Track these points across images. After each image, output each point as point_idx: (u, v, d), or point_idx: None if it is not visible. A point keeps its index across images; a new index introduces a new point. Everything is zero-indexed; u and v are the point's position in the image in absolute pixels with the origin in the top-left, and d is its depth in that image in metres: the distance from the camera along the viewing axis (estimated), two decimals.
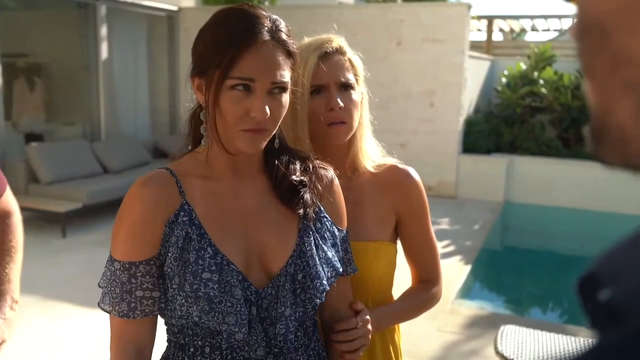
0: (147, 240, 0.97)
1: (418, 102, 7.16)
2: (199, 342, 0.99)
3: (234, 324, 0.94)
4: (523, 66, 7.74)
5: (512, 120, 7.64)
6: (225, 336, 0.96)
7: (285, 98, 0.97)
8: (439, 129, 7.13)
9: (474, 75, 7.62)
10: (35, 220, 5.58)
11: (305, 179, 1.06)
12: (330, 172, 1.12)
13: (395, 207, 1.29)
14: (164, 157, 7.21)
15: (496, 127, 7.59)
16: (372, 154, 1.31)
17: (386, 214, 1.29)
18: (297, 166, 1.07)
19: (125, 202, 0.99)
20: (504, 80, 7.84)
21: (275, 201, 1.05)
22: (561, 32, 13.54)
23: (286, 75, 0.96)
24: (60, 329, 3.48)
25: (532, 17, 12.80)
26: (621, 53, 0.33)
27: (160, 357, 1.07)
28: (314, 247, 1.03)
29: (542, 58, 7.65)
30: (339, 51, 1.23)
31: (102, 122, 7.21)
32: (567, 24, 12.62)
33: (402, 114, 7.16)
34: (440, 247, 5.05)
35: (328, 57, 1.21)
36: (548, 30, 13.64)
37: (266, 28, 0.94)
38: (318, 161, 1.11)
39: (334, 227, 1.09)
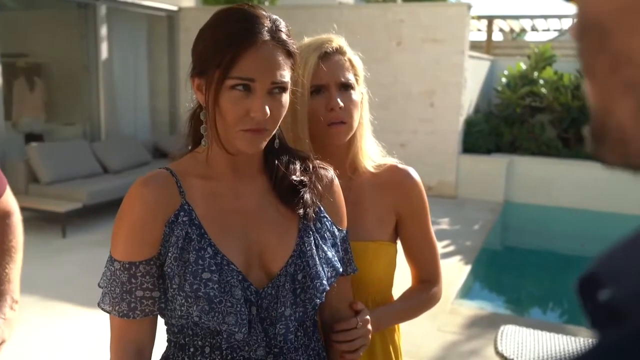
0: (147, 240, 0.97)
1: (418, 102, 7.16)
2: (199, 342, 0.99)
3: (234, 324, 0.94)
4: (523, 66, 7.74)
5: (512, 120, 7.64)
6: (225, 336, 0.96)
7: (285, 98, 0.97)
8: (439, 129, 7.13)
9: (474, 75, 7.61)
10: (35, 220, 5.58)
11: (305, 179, 1.06)
12: (330, 172, 1.12)
13: (395, 207, 1.29)
14: (164, 157, 7.20)
15: (496, 127, 7.59)
16: (372, 154, 1.30)
17: (386, 214, 1.29)
18: (297, 166, 1.06)
19: (125, 202, 0.99)
20: (504, 80, 7.84)
21: (275, 201, 1.05)
22: (561, 32, 13.54)
23: (286, 75, 0.96)
24: (60, 329, 3.48)
25: (532, 17, 12.80)
26: (621, 53, 0.33)
27: (160, 357, 1.07)
28: (314, 247, 1.03)
29: (542, 58, 7.65)
30: (339, 51, 1.23)
31: (102, 122, 7.21)
32: (567, 24, 12.62)
33: (402, 114, 7.16)
34: (440, 247, 5.05)
35: (328, 57, 1.21)
36: (548, 30, 13.64)
37: (266, 28, 0.94)
38: (318, 161, 1.11)
39: (334, 227, 1.09)
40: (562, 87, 7.24)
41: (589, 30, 0.35)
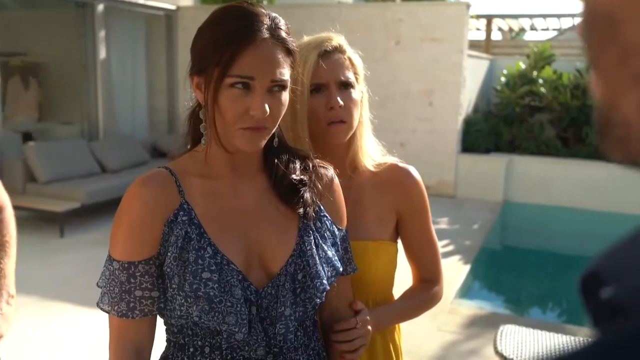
0: (146, 240, 0.96)
1: (417, 101, 7.16)
2: (199, 342, 0.99)
3: (234, 324, 0.94)
4: (522, 65, 7.74)
5: (511, 120, 7.64)
6: (225, 336, 0.95)
7: (285, 96, 0.96)
8: (437, 128, 7.13)
9: (473, 74, 7.62)
10: (33, 219, 5.57)
11: (305, 178, 1.05)
12: (330, 171, 1.11)
13: (396, 206, 1.29)
14: (162, 156, 7.20)
15: (495, 127, 7.59)
16: (372, 153, 1.30)
17: (386, 212, 1.28)
18: (297, 165, 1.06)
19: (124, 202, 0.98)
20: (503, 79, 7.85)
21: (275, 200, 1.04)
22: (560, 32, 13.56)
23: (286, 73, 0.95)
24: (58, 328, 3.47)
25: (531, 17, 12.83)
26: (631, 44, 0.33)
27: (159, 357, 1.07)
28: (314, 247, 1.02)
29: (541, 57, 7.66)
30: (339, 50, 1.23)
31: (100, 122, 7.21)
32: (566, 23, 12.64)
33: (401, 113, 7.16)
34: (439, 246, 5.02)
35: (328, 55, 1.20)
36: (547, 29, 13.66)
37: (265, 26, 0.94)
38: (318, 160, 1.11)
39: (334, 226, 1.08)
40: (562, 86, 7.24)
41: (597, 23, 0.35)
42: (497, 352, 2.49)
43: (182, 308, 0.95)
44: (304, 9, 7.26)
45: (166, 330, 1.04)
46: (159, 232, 0.97)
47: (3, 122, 6.37)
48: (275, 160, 1.05)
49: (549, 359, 0.31)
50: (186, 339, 0.99)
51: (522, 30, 14.02)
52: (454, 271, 4.54)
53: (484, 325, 3.60)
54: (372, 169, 1.29)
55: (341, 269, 1.07)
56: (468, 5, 6.92)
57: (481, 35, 12.02)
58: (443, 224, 5.99)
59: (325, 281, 1.02)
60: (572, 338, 2.60)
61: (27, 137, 6.99)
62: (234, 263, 0.97)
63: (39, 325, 3.48)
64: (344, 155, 1.26)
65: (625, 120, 0.34)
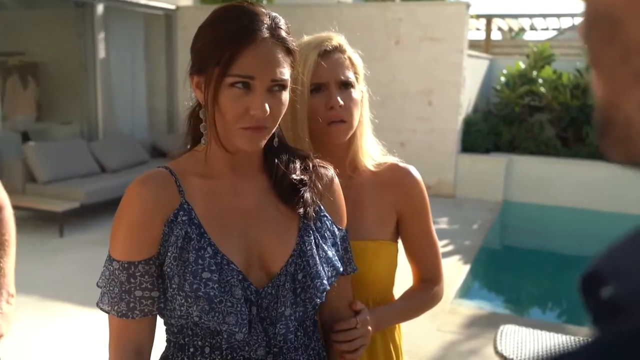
0: (146, 240, 0.96)
1: (416, 101, 7.16)
2: (199, 342, 0.99)
3: (234, 324, 0.94)
4: (522, 65, 7.74)
5: (511, 120, 7.64)
6: (225, 336, 0.95)
7: (285, 96, 0.96)
8: (437, 128, 7.13)
9: (472, 74, 7.62)
10: (33, 219, 5.57)
11: (305, 177, 1.05)
12: (330, 171, 1.11)
13: (396, 206, 1.29)
14: (162, 156, 7.20)
15: (495, 127, 7.59)
16: (372, 153, 1.30)
17: (387, 212, 1.28)
18: (297, 165, 1.06)
19: (124, 202, 0.98)
20: (502, 79, 7.85)
21: (275, 200, 1.04)
22: (560, 31, 13.56)
23: (286, 72, 0.95)
24: (58, 328, 3.47)
25: (530, 16, 12.83)
26: (633, 43, 0.33)
27: (159, 357, 1.06)
28: (314, 247, 1.02)
29: (541, 57, 7.66)
30: (339, 49, 1.22)
31: (100, 121, 7.20)
32: (565, 23, 12.64)
33: (400, 112, 7.16)
34: (439, 246, 5.03)
35: (328, 55, 1.20)
36: (547, 29, 13.67)
37: (265, 25, 0.94)
38: (318, 160, 1.10)
39: (334, 226, 1.08)
40: (561, 86, 7.25)
41: (598, 22, 0.35)
42: (497, 352, 2.49)
43: (182, 308, 0.95)
44: (304, 9, 7.26)
45: (166, 330, 1.04)
46: (159, 232, 0.96)
47: (3, 122, 6.37)
48: (276, 160, 1.05)
49: (548, 359, 0.31)
50: (186, 339, 0.99)
51: (522, 30, 14.03)
52: (453, 271, 4.54)
53: (484, 325, 3.60)
54: (372, 168, 1.28)
55: (341, 269, 1.07)
56: (468, 5, 6.92)
57: (481, 35, 12.02)
58: (443, 223, 5.99)
59: (325, 281, 1.01)
60: (572, 338, 2.60)
61: (26, 136, 6.99)
62: (234, 263, 0.97)
63: (39, 325, 3.48)
64: (344, 155, 1.26)
65: (626, 120, 0.34)
